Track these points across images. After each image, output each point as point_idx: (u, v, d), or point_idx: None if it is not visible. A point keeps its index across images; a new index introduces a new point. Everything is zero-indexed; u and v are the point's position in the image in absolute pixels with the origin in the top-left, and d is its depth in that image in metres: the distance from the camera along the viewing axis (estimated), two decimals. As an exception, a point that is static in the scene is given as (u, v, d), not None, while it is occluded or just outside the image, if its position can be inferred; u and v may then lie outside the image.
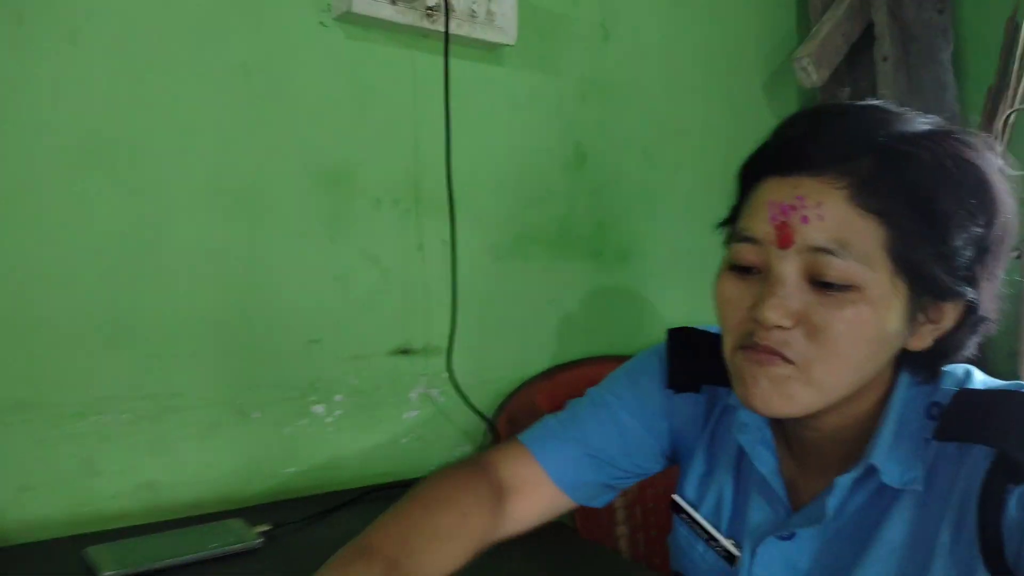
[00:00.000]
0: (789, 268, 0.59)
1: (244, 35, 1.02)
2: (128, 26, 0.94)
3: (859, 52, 1.55)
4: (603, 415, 0.77)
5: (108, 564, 0.80)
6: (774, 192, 0.60)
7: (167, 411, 0.98)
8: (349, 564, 0.63)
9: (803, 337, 0.59)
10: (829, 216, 0.58)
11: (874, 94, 1.54)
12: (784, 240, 0.59)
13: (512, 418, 1.22)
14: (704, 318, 1.48)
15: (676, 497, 0.77)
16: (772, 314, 0.59)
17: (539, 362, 1.30)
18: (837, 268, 0.58)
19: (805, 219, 0.58)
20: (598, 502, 0.79)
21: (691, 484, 0.76)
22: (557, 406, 1.25)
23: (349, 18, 1.08)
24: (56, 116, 0.90)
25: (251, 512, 0.97)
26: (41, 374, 0.90)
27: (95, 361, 0.93)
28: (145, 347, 0.96)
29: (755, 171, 0.64)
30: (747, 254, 0.62)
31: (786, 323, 0.59)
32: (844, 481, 0.63)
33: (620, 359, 1.34)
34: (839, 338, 0.58)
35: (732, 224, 0.66)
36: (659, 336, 1.42)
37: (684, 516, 0.75)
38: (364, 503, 1.04)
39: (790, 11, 1.62)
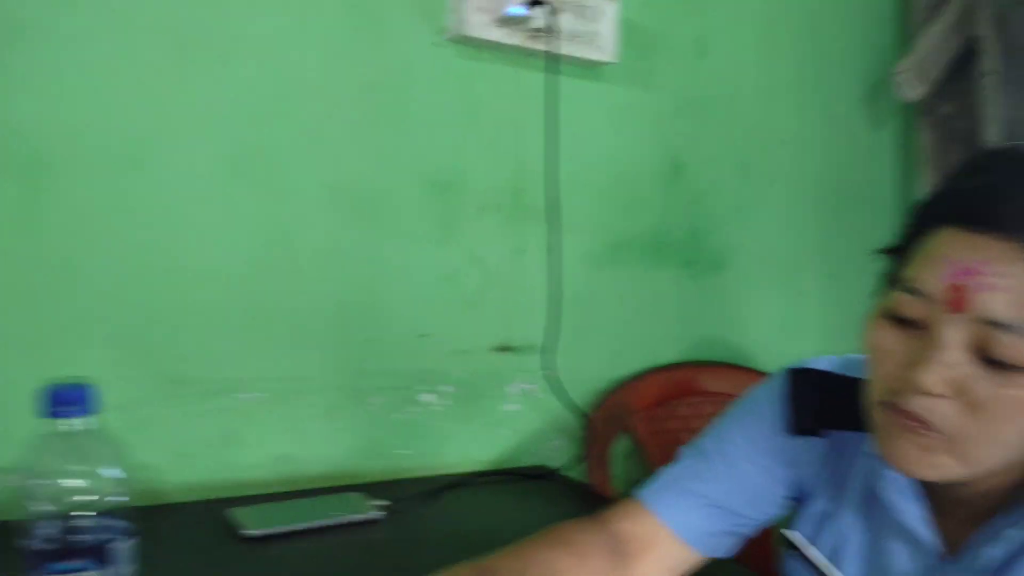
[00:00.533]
0: (955, 335, 0.54)
1: (368, 57, 1.13)
2: (270, 50, 1.06)
3: (961, 66, 1.54)
4: (719, 463, 0.74)
5: (250, 523, 0.92)
6: (954, 248, 0.55)
7: (297, 393, 1.10)
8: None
9: (958, 409, 0.54)
10: (1015, 289, 0.52)
11: (976, 109, 1.53)
12: (957, 304, 0.54)
13: (606, 416, 1.29)
14: (795, 328, 1.52)
15: (788, 533, 0.74)
16: (928, 379, 0.54)
17: (632, 364, 1.36)
18: (1012, 348, 0.52)
19: (985, 287, 0.53)
20: (725, 551, 0.75)
21: (806, 522, 0.74)
22: (648, 406, 1.32)
23: (461, 39, 1.18)
24: (209, 130, 1.03)
25: (368, 487, 1.07)
26: (194, 355, 1.03)
27: (237, 345, 1.06)
28: (278, 334, 1.08)
29: (935, 215, 0.58)
30: (910, 307, 0.57)
31: (942, 391, 0.54)
32: (1014, 535, 0.60)
33: (711, 365, 1.41)
34: (1000, 420, 0.54)
35: (896, 262, 0.61)
36: (749, 343, 1.48)
37: (796, 553, 0.72)
38: (468, 487, 1.13)
39: (890, 24, 1.63)
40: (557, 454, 1.29)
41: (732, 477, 0.73)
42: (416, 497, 1.06)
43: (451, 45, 1.18)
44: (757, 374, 1.41)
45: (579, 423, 1.30)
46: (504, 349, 1.25)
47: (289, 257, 1.08)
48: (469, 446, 1.23)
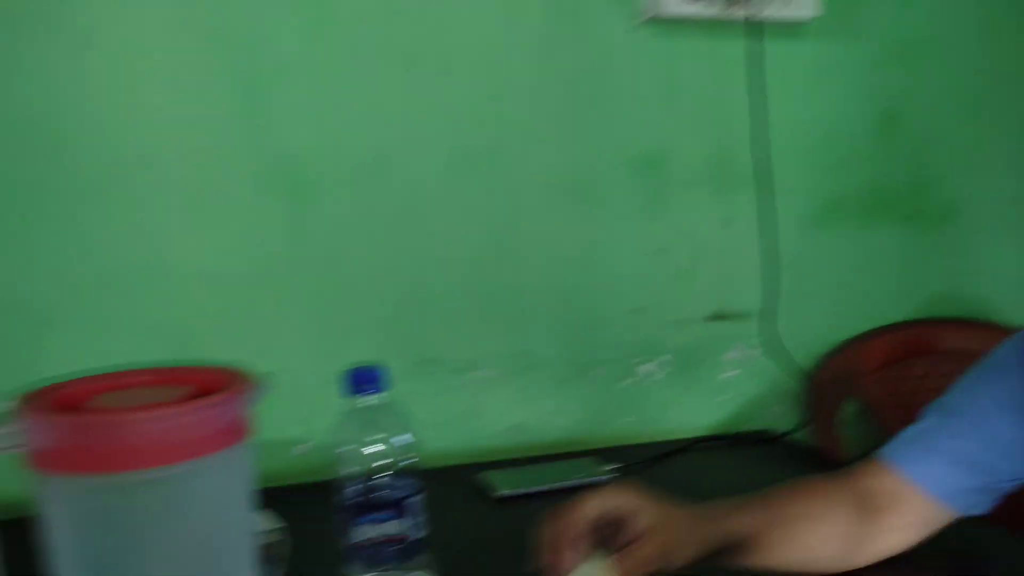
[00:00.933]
0: None
1: (570, 51, 1.18)
2: (484, 56, 1.15)
3: None
4: (968, 420, 0.72)
5: (501, 485, 1.03)
6: None
7: (528, 368, 1.20)
8: (736, 508, 0.71)
9: None
10: None
11: None
12: None
13: (831, 379, 1.27)
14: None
15: None
16: None
17: (855, 325, 1.32)
18: None
19: None
20: (980, 508, 0.74)
21: None
22: (878, 367, 1.29)
23: (657, 20, 1.20)
24: (437, 136, 1.14)
25: (596, 453, 1.15)
26: (439, 337, 1.16)
27: (473, 326, 1.17)
28: (509, 315, 1.19)
29: None
30: None
31: None
32: None
33: (946, 321, 1.34)
34: None
35: None
36: (988, 296, 1.39)
37: None
38: (693, 452, 1.17)
39: None
40: (781, 419, 1.30)
41: (983, 433, 0.72)
42: (644, 462, 1.12)
43: (648, 27, 1.21)
44: (1001, 329, 1.32)
45: (802, 387, 1.29)
46: (719, 317, 1.27)
47: (514, 243, 1.18)
48: (690, 413, 1.27)
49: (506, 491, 1.01)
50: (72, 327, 1.02)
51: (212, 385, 0.60)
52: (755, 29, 1.20)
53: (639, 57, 1.21)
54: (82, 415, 0.54)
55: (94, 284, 1.02)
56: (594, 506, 0.66)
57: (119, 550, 0.56)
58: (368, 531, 0.71)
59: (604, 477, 1.06)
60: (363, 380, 0.72)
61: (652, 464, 1.12)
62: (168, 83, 1.03)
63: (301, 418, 1.07)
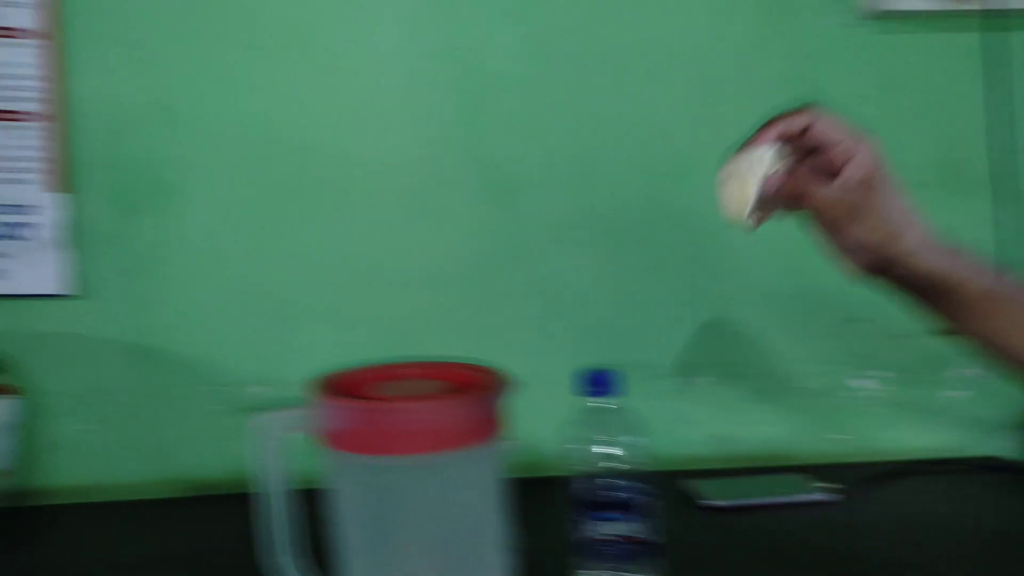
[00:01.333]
0: None
1: (780, 50, 1.15)
2: (693, 59, 1.15)
3: None
4: None
5: (712, 495, 1.01)
6: None
7: (733, 377, 1.18)
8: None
9: None
10: None
11: None
12: None
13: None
14: None
15: None
16: None
17: (1105, 344, 1.19)
18: None
19: None
20: None
21: None
22: None
23: (878, 15, 1.14)
24: (642, 140, 1.15)
25: (806, 470, 1.10)
26: (644, 342, 1.17)
27: (678, 333, 1.17)
28: (713, 322, 1.17)
29: None
30: None
31: None
32: None
33: None
34: None
35: None
36: None
37: None
38: (912, 476, 1.10)
39: None
40: (1012, 445, 1.19)
41: None
42: (862, 481, 1.06)
43: (864, 23, 1.15)
44: None
45: (1038, 411, 1.18)
46: (943, 331, 1.18)
47: (720, 249, 1.16)
48: (908, 433, 1.19)
49: (719, 501, 1.00)
50: (316, 320, 1.12)
51: (466, 381, 0.64)
52: (997, 20, 1.12)
53: (855, 54, 1.16)
54: (372, 402, 0.60)
55: (335, 281, 1.13)
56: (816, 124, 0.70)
57: (391, 524, 0.61)
58: (601, 528, 0.73)
59: (820, 495, 1.02)
60: (596, 382, 0.74)
61: (871, 484, 1.06)
62: (399, 98, 1.12)
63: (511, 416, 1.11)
